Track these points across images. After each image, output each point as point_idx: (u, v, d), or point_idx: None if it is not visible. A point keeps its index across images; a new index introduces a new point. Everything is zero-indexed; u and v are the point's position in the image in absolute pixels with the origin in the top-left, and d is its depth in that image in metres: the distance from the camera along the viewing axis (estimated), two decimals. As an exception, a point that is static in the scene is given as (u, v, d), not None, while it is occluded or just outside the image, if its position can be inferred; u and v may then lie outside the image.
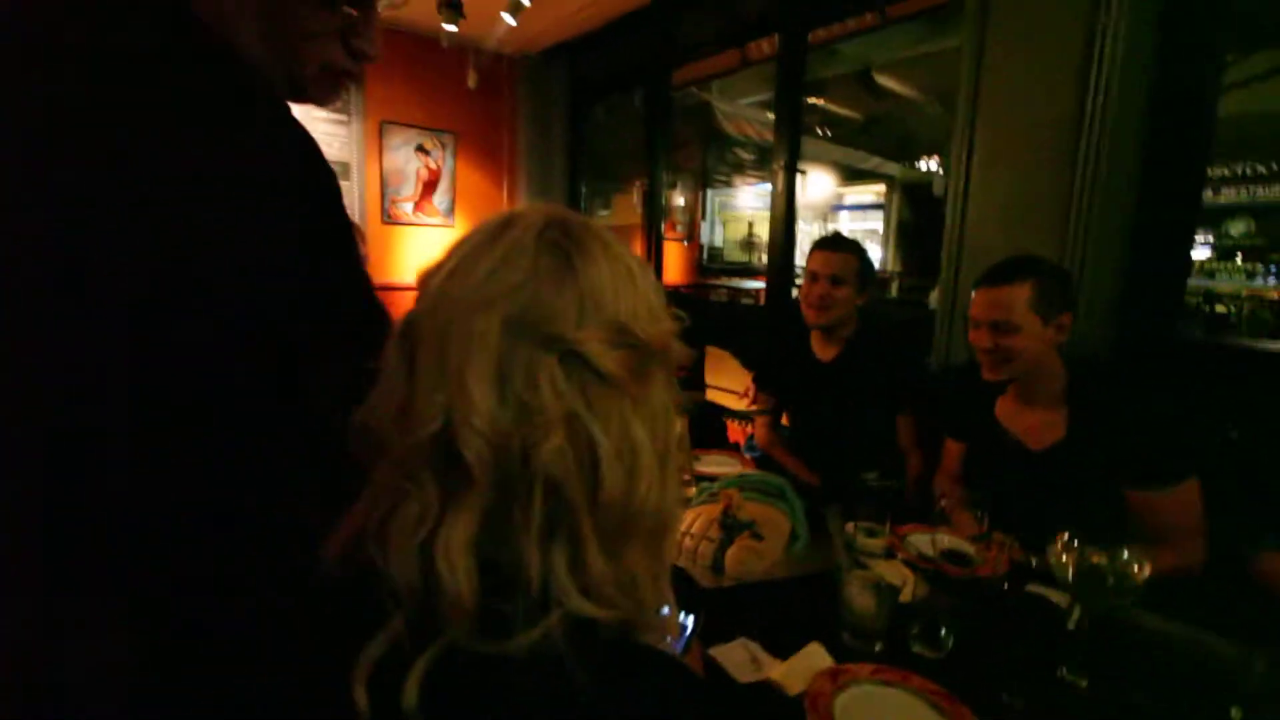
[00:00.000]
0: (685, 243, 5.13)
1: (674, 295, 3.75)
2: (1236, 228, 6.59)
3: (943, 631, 0.95)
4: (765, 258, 5.67)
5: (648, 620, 0.47)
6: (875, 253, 7.50)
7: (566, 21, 3.40)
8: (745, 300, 4.51)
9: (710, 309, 3.86)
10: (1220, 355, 1.89)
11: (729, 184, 6.01)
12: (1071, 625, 0.92)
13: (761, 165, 5.63)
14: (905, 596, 1.03)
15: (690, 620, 0.81)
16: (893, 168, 6.85)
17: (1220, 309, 4.77)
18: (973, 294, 1.39)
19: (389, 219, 3.76)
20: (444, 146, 3.89)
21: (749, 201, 6.36)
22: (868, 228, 7.91)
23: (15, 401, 0.47)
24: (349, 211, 3.61)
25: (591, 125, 4.16)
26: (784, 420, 2.09)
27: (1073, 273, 1.66)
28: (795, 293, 2.27)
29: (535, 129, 4.05)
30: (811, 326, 1.86)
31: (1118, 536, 0.92)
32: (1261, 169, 6.02)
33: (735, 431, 2.43)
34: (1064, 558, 0.89)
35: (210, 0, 0.55)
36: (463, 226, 4.00)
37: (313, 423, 0.54)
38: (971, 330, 1.38)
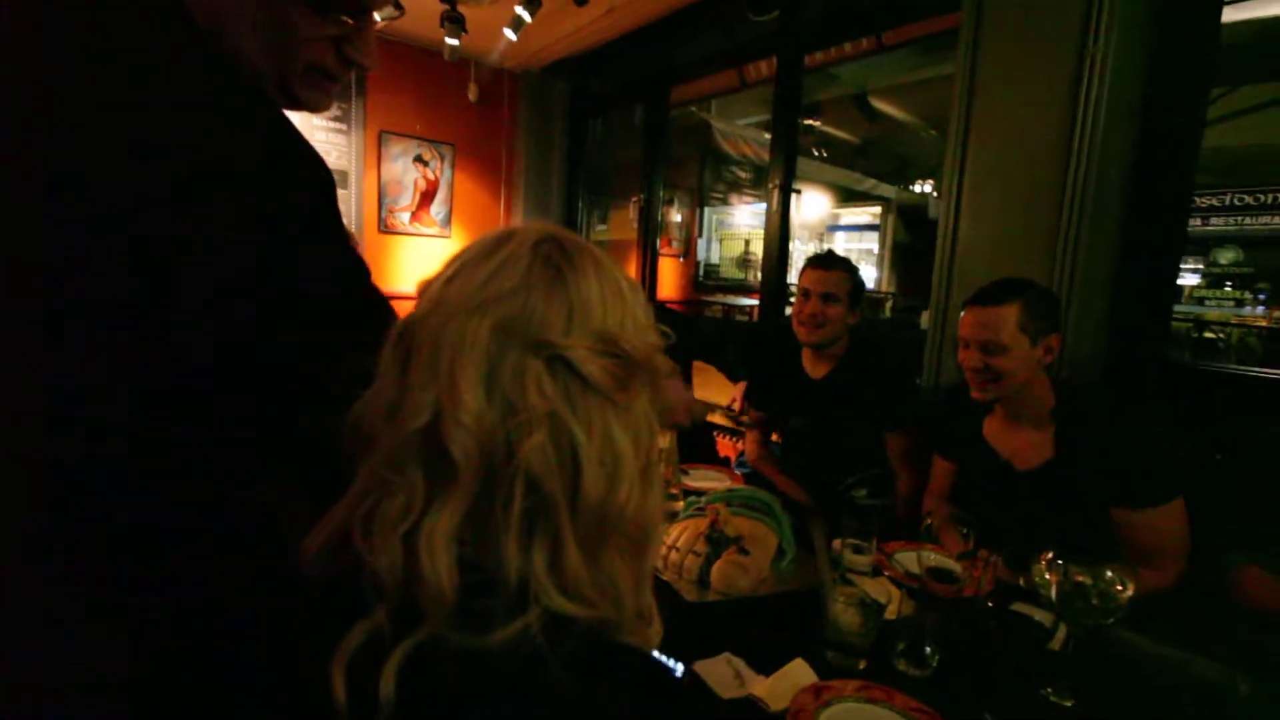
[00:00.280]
0: (681, 259, 5.16)
1: (665, 311, 3.77)
2: (1226, 256, 6.70)
3: (928, 650, 0.94)
4: (760, 275, 5.71)
5: (627, 622, 0.47)
6: (870, 273, 7.56)
7: (568, 39, 3.45)
8: (740, 317, 4.53)
9: (702, 324, 3.88)
10: (1207, 380, 1.91)
11: (726, 202, 6.06)
12: (1056, 645, 0.92)
13: (758, 184, 5.68)
14: (891, 614, 1.03)
15: (679, 668, 0.81)
16: (888, 190, 6.93)
17: (1209, 335, 4.82)
18: (962, 314, 1.41)
19: (386, 228, 3.77)
20: (442, 158, 3.91)
21: (746, 220, 6.41)
22: (863, 248, 7.98)
23: (15, 397, 0.46)
24: (345, 218, 3.62)
25: (590, 140, 4.20)
26: (774, 437, 2.09)
27: (1060, 296, 1.68)
28: (789, 310, 2.30)
29: (534, 143, 4.09)
30: (803, 344, 1.87)
31: (1104, 556, 0.92)
32: (1250, 200, 6.13)
33: (726, 447, 2.42)
34: (1048, 576, 0.89)
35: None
36: (459, 237, 4.02)
37: (314, 416, 0.54)
38: (961, 350, 1.40)
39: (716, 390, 2.61)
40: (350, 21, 0.64)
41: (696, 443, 2.09)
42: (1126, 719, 0.87)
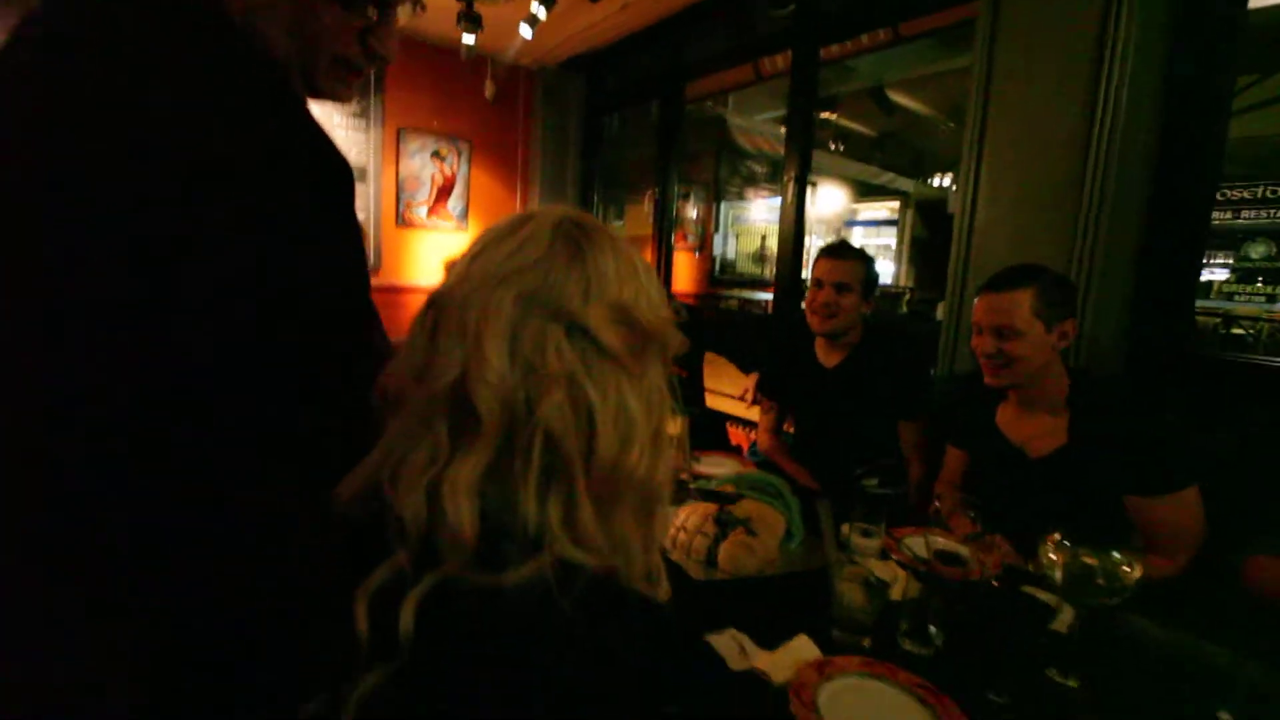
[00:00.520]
0: (697, 253, 5.16)
1: (681, 305, 3.77)
2: (1257, 250, 6.51)
3: (932, 629, 0.95)
4: (775, 269, 5.68)
5: (635, 577, 0.50)
6: (889, 268, 7.48)
7: (583, 35, 3.47)
8: (755, 311, 4.52)
9: (715, 316, 3.87)
10: (1231, 370, 1.87)
11: (742, 197, 6.04)
12: (1062, 627, 0.92)
13: (774, 179, 5.65)
14: (896, 594, 1.04)
15: None
16: (906, 184, 6.85)
17: (1237, 330, 4.71)
18: (976, 300, 1.40)
19: (403, 222, 3.82)
20: (459, 154, 3.96)
21: (762, 215, 6.38)
22: (881, 243, 7.90)
23: (14, 397, 0.47)
24: (364, 212, 3.67)
25: (607, 136, 4.22)
26: (787, 426, 2.10)
27: (1079, 284, 1.66)
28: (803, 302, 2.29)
29: (550, 138, 4.11)
30: (817, 333, 1.87)
31: (1116, 542, 0.92)
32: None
33: (738, 436, 2.43)
34: (1054, 558, 0.89)
35: None
36: (476, 231, 4.06)
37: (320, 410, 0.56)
38: (974, 336, 1.39)
39: (728, 381, 2.62)
40: (375, 14, 0.66)
41: (709, 432, 2.10)
42: (1131, 700, 0.87)
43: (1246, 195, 6.10)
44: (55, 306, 0.46)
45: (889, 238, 7.85)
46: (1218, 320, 4.84)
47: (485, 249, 0.52)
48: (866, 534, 1.23)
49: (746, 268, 6.87)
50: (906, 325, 3.79)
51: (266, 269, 0.52)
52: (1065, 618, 0.95)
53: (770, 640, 0.94)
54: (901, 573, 1.10)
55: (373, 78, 3.52)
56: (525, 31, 3.03)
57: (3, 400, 0.47)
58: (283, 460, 0.54)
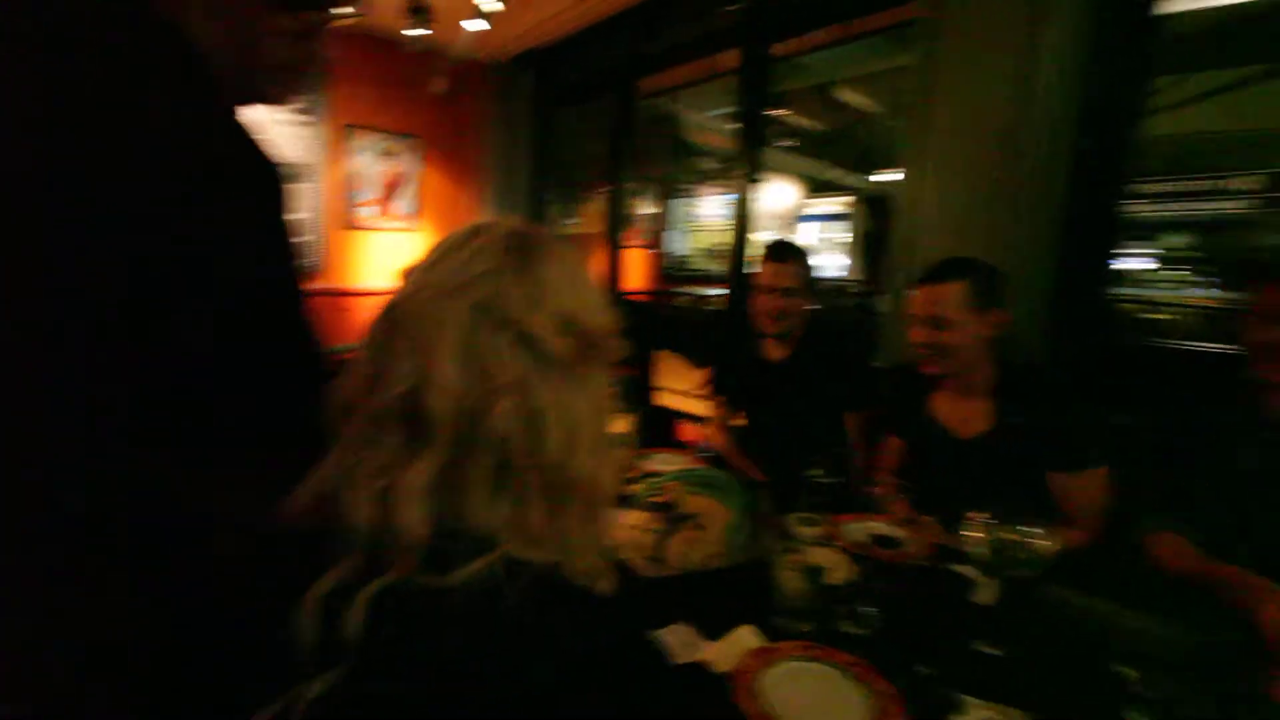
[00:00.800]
0: (649, 250, 5.18)
1: (627, 301, 3.77)
2: (1177, 240, 6.92)
3: (868, 609, 0.99)
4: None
5: (579, 573, 0.53)
6: (841, 261, 7.64)
7: (537, 29, 3.45)
8: (708, 307, 4.57)
9: (666, 313, 3.91)
10: (1150, 355, 2.00)
11: (694, 193, 6.10)
12: (985, 599, 0.97)
13: (725, 175, 5.71)
14: (837, 579, 1.08)
15: None
16: (857, 179, 7.01)
17: (1159, 316, 4.98)
18: (912, 292, 1.46)
19: (349, 223, 3.74)
20: (409, 151, 3.88)
21: (715, 211, 6.45)
22: (833, 237, 8.06)
23: (16, 394, 0.47)
24: (308, 212, 3.56)
25: (560, 132, 4.20)
26: (738, 420, 2.14)
27: (1009, 274, 1.74)
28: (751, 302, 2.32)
29: (502, 135, 4.07)
30: (765, 334, 1.92)
31: (1038, 517, 0.98)
32: (1200, 186, 6.33)
33: (688, 432, 2.46)
34: (978, 535, 0.94)
35: None
36: (428, 231, 4.00)
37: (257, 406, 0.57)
38: (912, 327, 1.45)
39: (679, 377, 2.65)
40: (313, 17, 0.66)
41: (658, 429, 2.13)
42: (1051, 665, 0.93)
43: (1168, 189, 6.45)
44: (55, 306, 0.47)
45: (841, 232, 8.02)
46: (1141, 307, 5.10)
47: (440, 259, 0.54)
48: (809, 523, 1.27)
49: (699, 263, 6.93)
50: (851, 317, 3.89)
51: (236, 269, 0.55)
52: (989, 591, 1.01)
53: (717, 631, 0.97)
54: (842, 558, 1.15)
55: (318, 73, 3.43)
56: (478, 24, 2.99)
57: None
58: (278, 457, 0.55)
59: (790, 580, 0.99)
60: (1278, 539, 1.08)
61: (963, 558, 1.11)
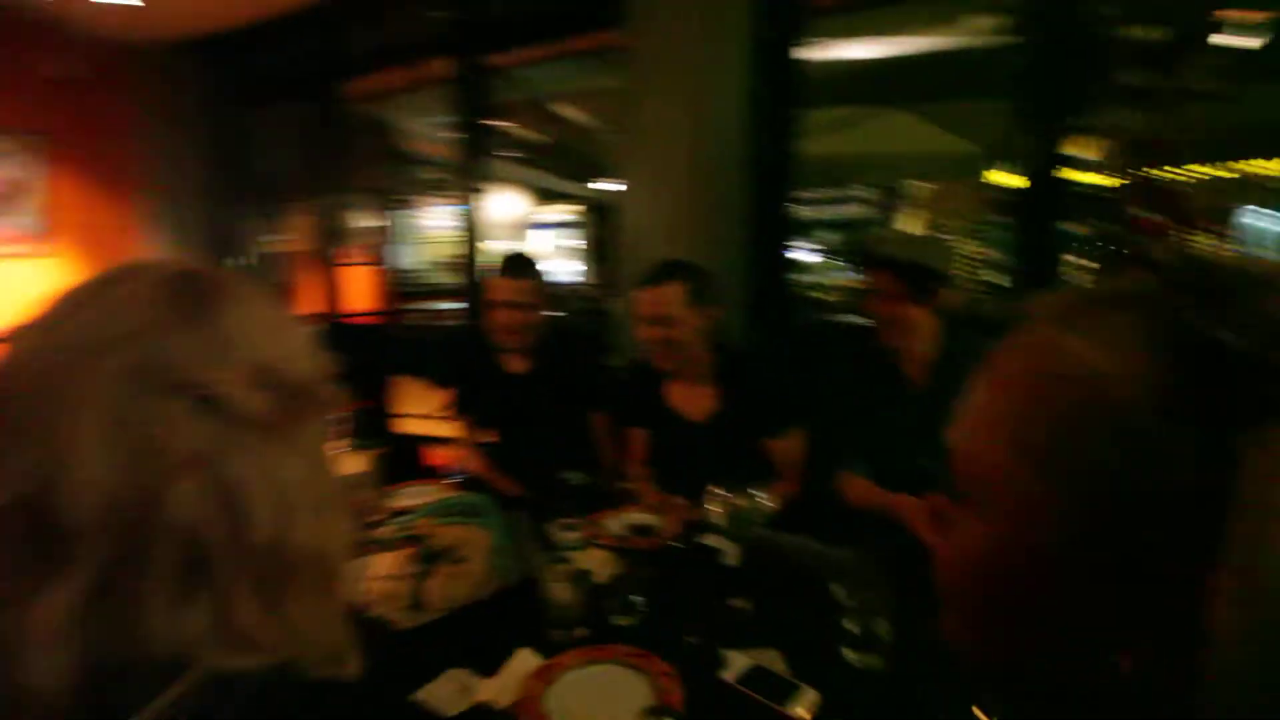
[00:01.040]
0: (374, 267, 4.78)
1: (350, 328, 3.43)
2: (829, 236, 8.87)
3: (636, 598, 1.04)
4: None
5: (317, 662, 0.44)
6: (574, 268, 7.98)
7: (213, 12, 2.90)
8: (445, 323, 4.39)
9: (402, 334, 3.65)
10: (825, 330, 2.46)
11: (418, 205, 5.80)
12: (731, 560, 1.09)
13: (450, 186, 5.53)
14: (603, 577, 1.11)
15: None
16: (581, 189, 7.38)
17: (829, 298, 6.24)
18: (637, 295, 1.57)
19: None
20: (26, 152, 2.99)
21: (444, 222, 6.23)
22: (565, 245, 8.38)
23: None
24: None
25: (250, 138, 3.63)
26: (488, 437, 2.08)
27: (714, 272, 1.99)
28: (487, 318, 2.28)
29: (169, 137, 3.36)
30: (507, 350, 1.89)
31: (763, 480, 1.13)
32: (841, 193, 8.15)
33: (437, 456, 2.34)
34: (717, 506, 1.05)
35: None
36: (64, 254, 3.13)
37: None
38: (640, 327, 1.56)
39: (421, 401, 2.50)
40: None
41: (404, 461, 1.97)
42: (789, 606, 1.08)
43: (821, 196, 8.17)
44: None
45: (573, 239, 8.37)
46: (819, 291, 6.32)
47: (65, 315, 0.42)
48: (569, 527, 1.29)
49: (432, 278, 6.63)
50: (595, 322, 4.07)
51: None
52: (732, 553, 1.13)
53: (496, 665, 0.92)
54: (605, 555, 1.19)
55: None
56: None
57: None
58: None
59: (559, 590, 0.99)
60: (924, 473, 1.39)
61: (709, 528, 1.23)
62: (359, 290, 4.19)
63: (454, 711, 0.84)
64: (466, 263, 2.89)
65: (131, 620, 0.37)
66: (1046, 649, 0.34)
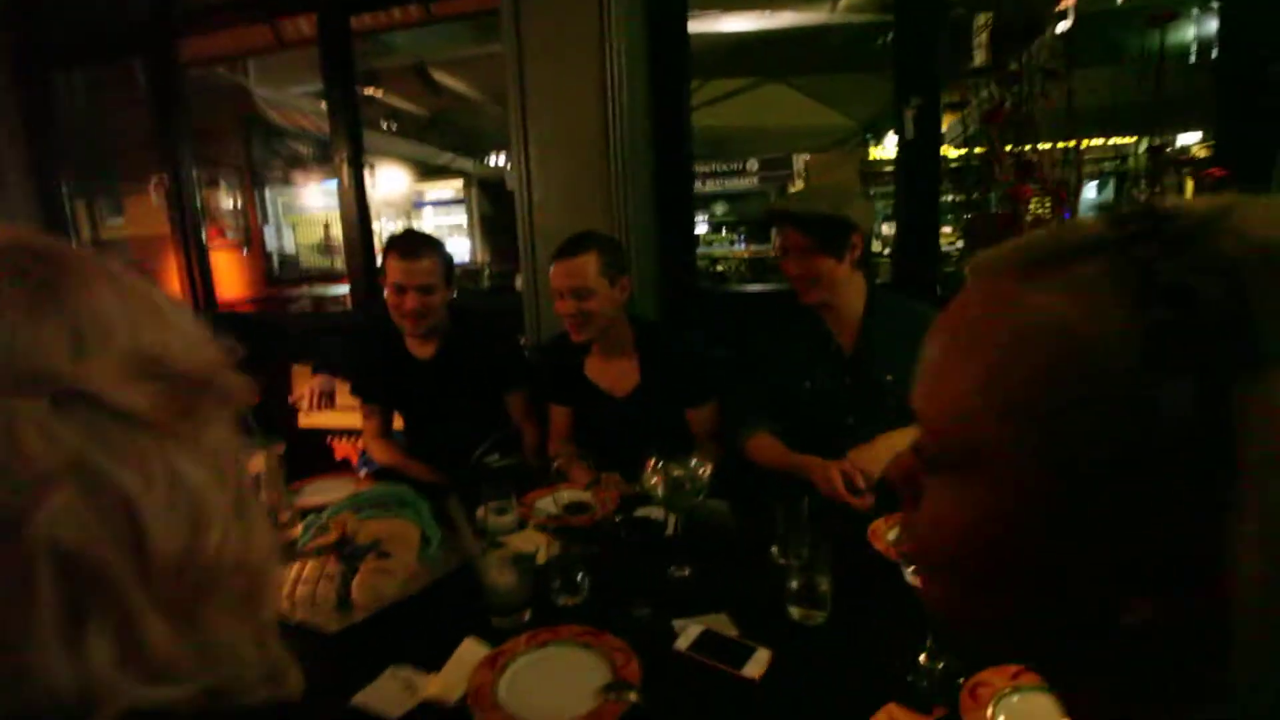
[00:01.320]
0: (244, 250, 4.34)
1: (235, 318, 3.12)
2: (719, 209, 9.03)
3: (579, 577, 1.02)
4: (345, 261, 5.22)
5: (250, 685, 0.39)
6: (463, 246, 7.67)
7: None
8: (333, 308, 4.09)
9: (286, 321, 3.36)
10: (725, 298, 2.52)
11: (288, 181, 5.30)
12: (670, 530, 1.10)
13: (325, 160, 5.10)
14: (542, 559, 1.08)
15: None
16: (466, 163, 7.06)
17: (719, 268, 6.39)
18: (551, 269, 1.53)
19: None
20: None
21: (319, 201, 5.75)
22: (452, 222, 8.02)
23: None
24: None
25: (69, 103, 3.12)
26: (394, 425, 1.97)
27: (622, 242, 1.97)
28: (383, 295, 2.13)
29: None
30: (408, 334, 1.78)
31: (687, 450, 1.14)
32: (729, 167, 8.34)
33: (345, 449, 2.19)
34: (654, 479, 1.05)
35: None
36: None
37: None
38: (556, 300, 1.53)
39: (314, 392, 2.31)
40: None
41: (309, 455, 1.82)
42: (721, 566, 1.10)
43: (711, 169, 8.30)
44: None
45: (459, 216, 8.03)
46: (706, 262, 6.48)
47: None
48: (500, 511, 1.25)
49: (313, 261, 6.14)
50: (491, 300, 3.94)
51: None
52: (670, 524, 1.15)
53: (438, 658, 0.87)
54: (543, 537, 1.16)
55: None
56: None
57: None
58: None
59: (499, 576, 0.96)
60: (835, 433, 1.46)
61: (646, 501, 1.23)
62: (229, 277, 3.79)
63: (400, 712, 0.80)
64: (353, 244, 2.68)
65: (15, 665, 0.31)
66: (1044, 610, 0.33)
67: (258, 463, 1.14)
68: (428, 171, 7.08)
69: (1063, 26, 2.04)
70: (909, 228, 2.11)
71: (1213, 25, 2.29)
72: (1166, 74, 1.84)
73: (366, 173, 2.68)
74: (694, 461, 1.08)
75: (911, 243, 2.09)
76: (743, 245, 8.80)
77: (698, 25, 2.25)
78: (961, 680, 0.79)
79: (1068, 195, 2.07)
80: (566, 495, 1.22)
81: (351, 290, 2.78)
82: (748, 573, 1.11)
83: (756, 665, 0.86)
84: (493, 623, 0.96)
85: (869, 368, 1.41)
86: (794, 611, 0.96)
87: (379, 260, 2.82)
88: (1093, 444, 0.29)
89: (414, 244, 1.71)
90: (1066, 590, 0.32)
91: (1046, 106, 1.97)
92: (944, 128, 2.20)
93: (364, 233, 2.67)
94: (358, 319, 2.76)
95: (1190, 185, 1.99)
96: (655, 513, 1.25)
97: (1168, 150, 2.08)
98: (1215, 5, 2.19)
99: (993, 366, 0.33)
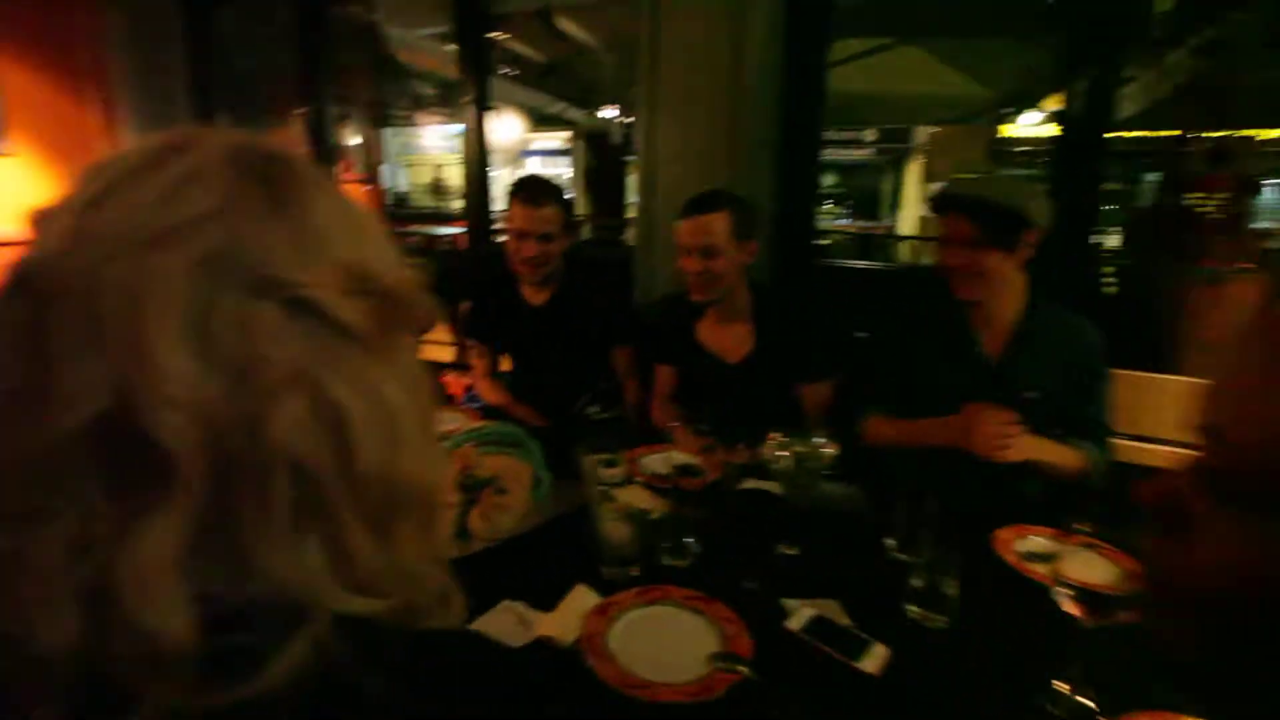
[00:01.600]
0: (368, 186, 4.55)
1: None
2: (827, 179, 8.62)
3: (689, 541, 1.01)
4: (457, 202, 5.39)
5: (429, 606, 0.40)
6: (569, 196, 7.75)
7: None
8: (443, 248, 4.24)
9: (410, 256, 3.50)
10: (836, 273, 2.40)
11: (411, 122, 5.49)
12: (780, 506, 1.06)
13: (446, 102, 5.23)
14: (653, 517, 1.08)
15: None
16: (576, 114, 7.06)
17: (825, 241, 6.16)
18: (679, 224, 1.49)
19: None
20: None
21: (434, 143, 5.94)
22: (557, 173, 8.10)
23: None
24: None
25: (223, 36, 3.32)
26: (502, 367, 2.02)
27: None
28: (499, 239, 2.16)
29: (139, 34, 3.06)
30: (526, 281, 1.80)
31: (794, 424, 1.09)
32: (843, 135, 7.90)
33: (453, 384, 2.28)
34: (779, 453, 1.02)
35: None
36: (28, 159, 2.89)
37: None
38: (681, 257, 1.49)
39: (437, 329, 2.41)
40: None
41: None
42: (841, 556, 1.06)
43: (824, 137, 7.97)
44: None
45: (564, 167, 8.09)
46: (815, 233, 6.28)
47: (113, 191, 0.33)
48: (610, 464, 1.26)
49: (422, 200, 6.38)
50: (596, 252, 3.96)
51: None
52: (782, 499, 1.11)
53: (546, 597, 0.89)
54: (651, 497, 1.15)
55: None
56: None
57: None
58: None
59: (614, 530, 0.96)
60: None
61: (760, 473, 1.20)
62: (355, 209, 4.00)
63: (517, 644, 0.82)
64: (472, 189, 2.73)
65: (244, 557, 0.32)
66: None
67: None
68: (539, 120, 7.14)
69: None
70: (1063, 219, 1.90)
71: None
72: None
73: (489, 118, 2.72)
74: (818, 439, 1.03)
75: (1064, 237, 1.89)
76: (849, 220, 8.41)
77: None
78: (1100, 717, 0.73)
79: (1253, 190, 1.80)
80: (676, 456, 1.21)
81: (467, 232, 2.85)
82: (859, 561, 1.06)
83: (873, 660, 0.83)
84: (603, 573, 0.96)
85: (1013, 380, 1.28)
86: (912, 611, 0.91)
87: (493, 205, 2.89)
88: None
89: (538, 191, 1.72)
90: None
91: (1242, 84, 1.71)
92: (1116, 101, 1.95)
93: (483, 176, 2.71)
94: (469, 260, 2.83)
95: None
96: (764, 485, 1.21)
97: None
98: None
99: None
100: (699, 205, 1.47)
